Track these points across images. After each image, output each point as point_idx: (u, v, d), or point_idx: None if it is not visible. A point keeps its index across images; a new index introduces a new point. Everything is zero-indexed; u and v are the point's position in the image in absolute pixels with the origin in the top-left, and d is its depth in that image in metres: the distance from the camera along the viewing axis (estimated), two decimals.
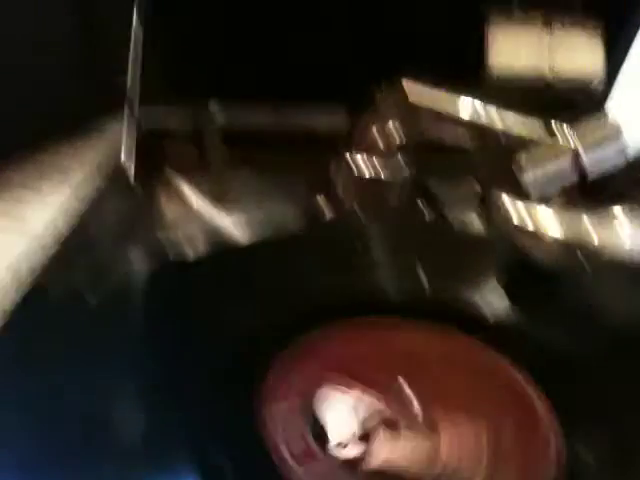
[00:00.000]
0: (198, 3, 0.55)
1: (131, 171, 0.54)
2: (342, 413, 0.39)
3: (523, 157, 0.43)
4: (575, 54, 0.59)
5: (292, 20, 0.57)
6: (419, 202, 0.51)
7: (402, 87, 0.49)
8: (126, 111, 0.56)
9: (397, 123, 0.49)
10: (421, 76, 0.55)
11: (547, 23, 0.58)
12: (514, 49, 0.58)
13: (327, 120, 0.61)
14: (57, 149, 0.93)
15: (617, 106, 0.61)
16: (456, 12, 0.57)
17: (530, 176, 0.42)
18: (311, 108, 0.61)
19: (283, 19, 0.56)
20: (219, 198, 0.59)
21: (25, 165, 0.88)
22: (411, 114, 0.48)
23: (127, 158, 0.54)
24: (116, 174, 0.56)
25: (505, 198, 0.41)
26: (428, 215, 0.50)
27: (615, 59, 0.59)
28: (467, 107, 0.49)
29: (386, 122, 0.49)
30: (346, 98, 0.60)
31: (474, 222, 0.49)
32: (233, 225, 0.54)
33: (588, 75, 0.59)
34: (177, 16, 0.56)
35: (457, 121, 0.48)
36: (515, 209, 0.41)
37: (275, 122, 0.61)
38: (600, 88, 0.60)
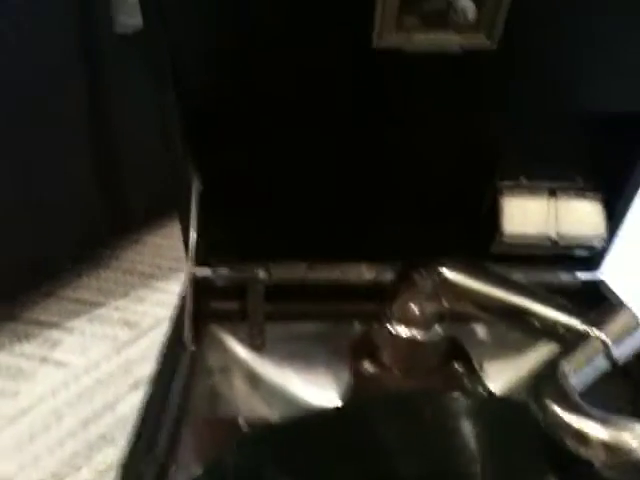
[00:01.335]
0: (243, 171, 0.61)
1: (187, 328, 0.60)
2: None
3: (564, 363, 0.46)
4: (578, 219, 0.66)
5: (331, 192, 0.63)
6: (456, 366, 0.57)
7: (440, 265, 0.55)
8: (187, 270, 0.62)
9: (435, 299, 0.55)
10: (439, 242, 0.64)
11: (552, 193, 0.66)
12: (523, 216, 0.66)
13: (359, 274, 0.68)
14: (77, 282, 1.00)
15: (614, 263, 0.70)
16: (471, 185, 0.65)
17: (574, 381, 0.46)
18: (343, 264, 0.68)
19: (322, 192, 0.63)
20: (259, 349, 0.65)
21: (48, 302, 0.95)
22: (449, 292, 0.54)
23: (187, 317, 0.59)
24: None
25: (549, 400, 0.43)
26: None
27: (614, 223, 0.67)
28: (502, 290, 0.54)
29: (424, 298, 0.55)
30: (376, 254, 0.67)
31: None
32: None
33: (590, 236, 0.66)
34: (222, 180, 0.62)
35: (493, 302, 0.54)
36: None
37: (312, 277, 0.67)
38: (600, 247, 0.68)
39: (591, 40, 0.51)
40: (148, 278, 1.07)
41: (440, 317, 0.56)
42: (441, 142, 0.59)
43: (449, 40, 0.47)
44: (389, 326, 0.56)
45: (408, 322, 0.56)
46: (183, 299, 0.62)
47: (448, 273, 0.55)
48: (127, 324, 0.94)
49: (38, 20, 0.85)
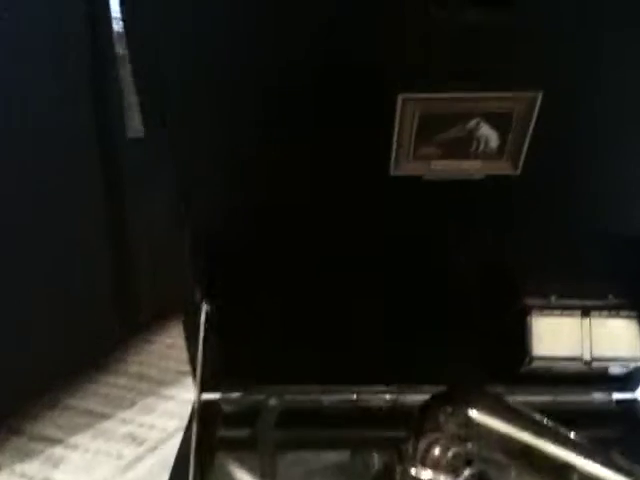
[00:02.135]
0: (253, 294, 0.58)
1: (193, 464, 0.55)
2: None
3: None
4: (613, 339, 0.62)
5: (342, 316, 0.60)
6: None
7: (466, 404, 0.51)
8: (194, 396, 0.58)
9: (462, 442, 0.50)
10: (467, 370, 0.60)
11: (585, 312, 0.61)
12: (554, 337, 0.61)
13: (377, 397, 0.64)
14: (84, 389, 0.97)
15: None
16: (498, 305, 0.61)
17: None
18: (359, 387, 0.64)
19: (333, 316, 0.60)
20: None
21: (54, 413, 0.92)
22: (476, 434, 0.50)
23: (192, 452, 0.55)
24: None
25: None
26: None
27: None
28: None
29: (450, 440, 0.50)
30: (392, 377, 0.63)
31: None
32: None
33: (626, 358, 0.62)
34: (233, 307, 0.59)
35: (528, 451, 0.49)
36: None
37: (324, 401, 0.63)
38: (636, 370, 0.63)
39: (617, 164, 0.48)
40: (157, 385, 1.02)
41: (468, 461, 0.51)
42: (464, 263, 0.56)
43: (471, 168, 0.45)
44: (412, 470, 0.51)
45: (433, 466, 0.50)
46: (189, 429, 0.57)
47: (476, 415, 0.50)
48: (133, 439, 0.89)
49: (56, 123, 0.85)
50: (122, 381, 1.04)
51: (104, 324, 1.02)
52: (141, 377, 1.05)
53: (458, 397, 0.51)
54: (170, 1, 0.39)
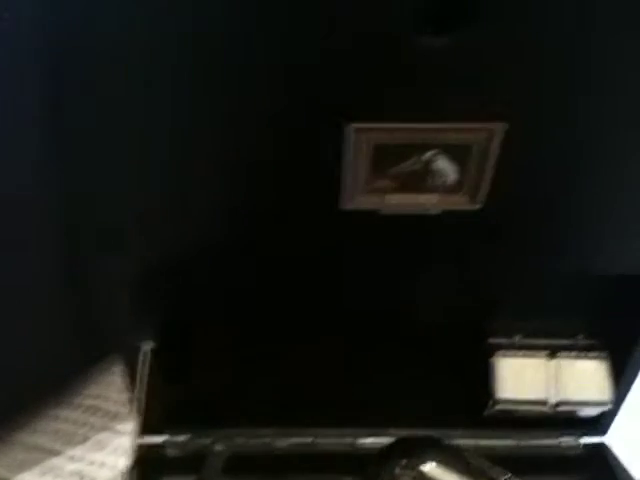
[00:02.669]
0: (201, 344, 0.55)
1: None
2: None
3: None
4: (581, 382, 0.59)
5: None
6: None
7: (421, 461, 0.48)
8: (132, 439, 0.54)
9: None
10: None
11: (552, 352, 0.59)
12: (519, 379, 0.58)
13: (332, 441, 0.60)
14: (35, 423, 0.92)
15: (620, 433, 0.62)
16: (460, 345, 0.58)
17: None
18: (315, 430, 0.60)
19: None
20: None
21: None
22: None
23: None
24: None
25: None
26: None
27: (622, 385, 0.59)
28: None
29: None
30: (350, 419, 0.60)
31: None
32: None
33: (594, 402, 0.59)
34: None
35: None
36: None
37: (279, 446, 0.59)
38: (606, 413, 0.60)
39: (582, 200, 0.46)
40: (111, 419, 0.97)
41: None
42: (423, 301, 0.53)
43: (427, 202, 0.42)
44: None
45: None
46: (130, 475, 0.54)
47: (429, 469, 0.47)
48: (81, 478, 0.84)
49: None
50: (75, 415, 0.98)
51: (59, 354, 0.98)
52: (96, 411, 1.00)
53: (412, 449, 0.48)
54: None
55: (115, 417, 0.97)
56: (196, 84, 0.38)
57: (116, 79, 0.37)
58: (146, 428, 0.56)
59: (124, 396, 1.03)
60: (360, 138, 0.39)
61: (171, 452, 0.58)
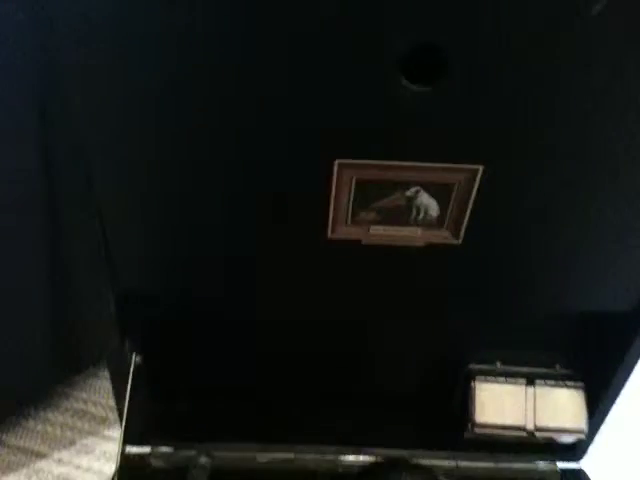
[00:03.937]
0: (189, 348, 0.56)
1: None
2: None
3: None
4: (557, 410, 0.60)
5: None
6: None
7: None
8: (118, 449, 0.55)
9: None
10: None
11: (530, 380, 0.60)
12: (497, 404, 0.60)
13: (315, 458, 0.61)
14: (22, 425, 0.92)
15: (596, 458, 0.64)
16: (441, 371, 0.59)
17: None
18: (297, 446, 0.61)
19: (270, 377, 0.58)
20: None
21: None
22: None
23: None
24: None
25: None
26: None
27: (597, 413, 0.61)
28: None
29: None
30: (332, 437, 0.61)
31: None
32: None
33: (570, 429, 0.60)
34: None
35: None
36: None
37: (262, 461, 0.61)
38: (581, 440, 0.61)
39: (560, 238, 0.47)
40: (98, 424, 0.98)
41: None
42: (406, 326, 0.55)
43: (411, 235, 0.44)
44: None
45: None
46: None
47: None
48: None
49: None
50: (63, 418, 0.99)
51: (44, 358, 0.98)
52: (84, 415, 1.01)
53: (389, 473, 0.49)
54: None
55: (103, 422, 0.98)
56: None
57: None
58: (131, 438, 0.57)
59: (112, 401, 1.04)
60: (343, 173, 0.40)
61: (155, 463, 0.59)
